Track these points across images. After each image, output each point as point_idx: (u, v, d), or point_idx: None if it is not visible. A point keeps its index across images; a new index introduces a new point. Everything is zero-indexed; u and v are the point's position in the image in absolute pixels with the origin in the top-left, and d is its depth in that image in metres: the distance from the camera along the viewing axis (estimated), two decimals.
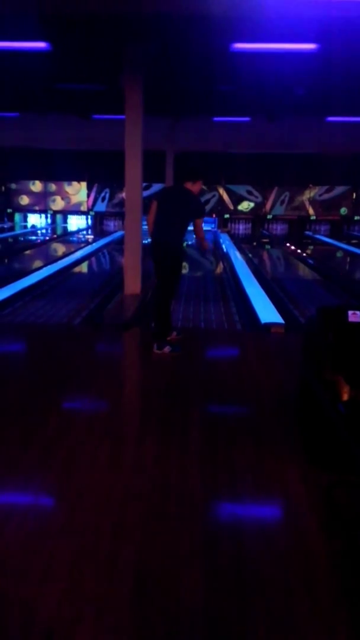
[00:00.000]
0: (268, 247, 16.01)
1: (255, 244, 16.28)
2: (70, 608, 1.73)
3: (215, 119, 13.01)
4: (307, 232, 19.03)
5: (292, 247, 14.60)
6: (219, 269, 10.77)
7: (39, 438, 2.89)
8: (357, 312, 2.89)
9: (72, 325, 5.83)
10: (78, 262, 11.26)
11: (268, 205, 19.03)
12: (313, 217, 19.07)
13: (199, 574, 1.90)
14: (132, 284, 6.85)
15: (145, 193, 17.95)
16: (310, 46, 5.78)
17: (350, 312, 2.89)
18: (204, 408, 3.40)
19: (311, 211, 19.02)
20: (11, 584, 1.84)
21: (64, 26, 5.56)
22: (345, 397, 2.73)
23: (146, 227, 4.64)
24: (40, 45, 6.01)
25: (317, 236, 18.43)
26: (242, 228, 19.29)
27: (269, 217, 19.12)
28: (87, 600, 1.77)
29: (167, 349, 4.41)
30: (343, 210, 18.90)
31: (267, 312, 6.24)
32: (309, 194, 18.89)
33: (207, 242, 4.53)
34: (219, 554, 2.01)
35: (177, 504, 2.32)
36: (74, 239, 16.53)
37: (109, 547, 2.03)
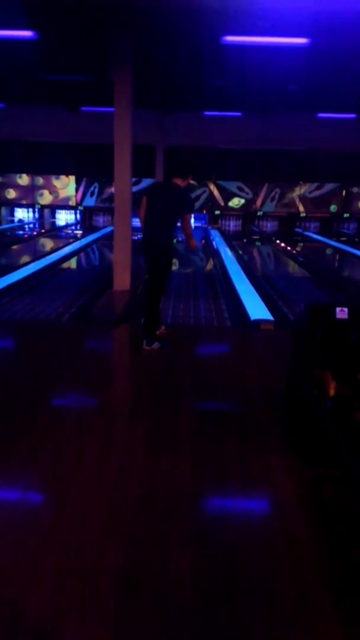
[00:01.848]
0: (258, 243, 16.01)
1: (245, 240, 16.26)
2: (58, 604, 1.72)
3: (206, 113, 12.94)
4: (297, 229, 19.06)
5: (282, 244, 14.61)
6: (209, 265, 10.73)
7: (27, 434, 2.86)
8: (345, 309, 2.88)
9: (60, 322, 5.76)
10: (67, 257, 11.13)
11: (258, 202, 19.02)
12: (303, 214, 19.11)
13: (187, 565, 1.90)
14: (122, 279, 6.79)
15: (135, 188, 17.80)
16: (301, 40, 5.74)
17: (337, 309, 2.87)
18: (192, 404, 3.37)
19: (301, 208, 19.05)
20: None
21: (51, 15, 5.45)
22: (332, 392, 2.72)
23: (137, 222, 4.59)
24: (27, 34, 5.89)
25: (307, 233, 18.48)
26: (232, 224, 19.26)
27: (259, 213, 19.11)
28: (75, 596, 1.75)
29: (155, 345, 4.38)
30: (333, 208, 18.96)
31: (256, 308, 6.22)
32: (299, 191, 18.91)
33: (195, 241, 4.54)
34: (206, 546, 2.01)
35: (166, 498, 2.31)
36: (62, 233, 16.36)
37: (98, 541, 2.02)
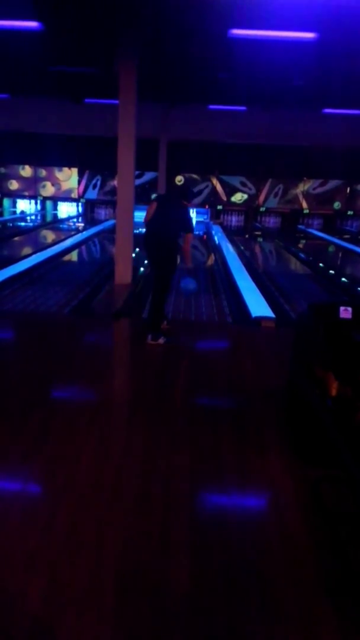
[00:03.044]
0: (260, 239, 15.95)
1: (247, 236, 16.20)
2: (55, 601, 1.71)
3: (211, 107, 12.82)
4: (300, 226, 18.98)
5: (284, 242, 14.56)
6: (211, 261, 10.70)
7: (25, 428, 2.85)
8: (349, 309, 2.85)
9: (61, 314, 5.74)
10: (68, 250, 11.10)
11: (261, 198, 18.94)
12: (306, 211, 19.02)
13: (186, 563, 1.89)
14: (123, 273, 6.76)
15: (138, 181, 17.82)
16: (309, 35, 5.67)
17: (341, 309, 2.85)
18: (192, 401, 3.36)
19: (304, 205, 18.97)
20: None
21: (57, 5, 5.38)
22: (334, 392, 2.70)
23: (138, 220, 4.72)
24: (32, 24, 5.82)
25: (310, 230, 18.41)
26: (234, 220, 19.18)
27: (262, 209, 19.03)
28: (72, 594, 1.75)
29: (161, 339, 4.38)
30: (336, 205, 18.88)
31: (258, 305, 6.19)
32: (302, 187, 18.82)
33: (190, 260, 4.79)
34: (205, 545, 2.00)
35: (164, 495, 2.30)
36: (64, 226, 16.31)
37: (95, 537, 2.02)
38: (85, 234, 14.03)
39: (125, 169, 6.37)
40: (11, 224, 15.97)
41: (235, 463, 2.62)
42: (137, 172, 18.47)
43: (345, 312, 2.82)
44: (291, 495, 2.38)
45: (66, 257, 10.29)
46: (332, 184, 18.68)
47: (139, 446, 2.73)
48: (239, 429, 2.98)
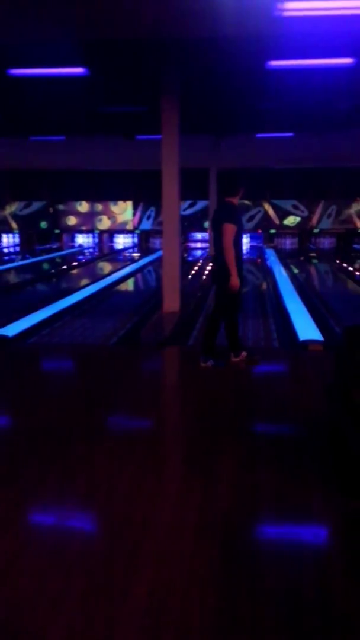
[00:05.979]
0: (315, 261, 15.67)
1: (302, 258, 15.99)
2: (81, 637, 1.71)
3: (258, 135, 13.01)
4: (355, 246, 18.48)
5: (340, 262, 14.20)
6: (263, 284, 10.65)
7: (63, 459, 2.89)
8: None
9: (108, 344, 5.92)
10: (122, 279, 11.49)
11: (315, 219, 18.70)
12: None
13: (212, 598, 1.85)
14: (171, 301, 6.89)
15: (190, 210, 18.22)
16: (346, 61, 5.70)
17: None
18: (234, 430, 3.32)
19: (359, 224, 18.50)
20: (21, 614, 1.81)
21: (100, 51, 5.77)
22: None
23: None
24: (79, 70, 6.27)
25: None
26: (288, 243, 19.03)
27: (316, 231, 18.76)
28: (95, 633, 1.73)
29: (210, 362, 4.45)
30: None
31: (306, 329, 6.08)
32: (357, 207, 18.40)
33: (236, 278, 4.13)
34: (235, 583, 1.94)
35: (197, 526, 2.26)
36: (120, 257, 16.92)
37: (123, 576, 1.98)
38: (140, 263, 14.47)
39: (169, 200, 6.59)
40: (70, 258, 16.82)
41: (275, 495, 2.53)
42: (189, 201, 18.94)
43: None
44: (331, 530, 2.29)
45: (120, 287, 10.65)
46: None
47: (177, 479, 2.71)
48: (282, 460, 2.88)
